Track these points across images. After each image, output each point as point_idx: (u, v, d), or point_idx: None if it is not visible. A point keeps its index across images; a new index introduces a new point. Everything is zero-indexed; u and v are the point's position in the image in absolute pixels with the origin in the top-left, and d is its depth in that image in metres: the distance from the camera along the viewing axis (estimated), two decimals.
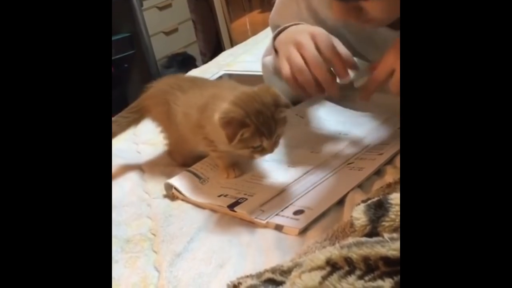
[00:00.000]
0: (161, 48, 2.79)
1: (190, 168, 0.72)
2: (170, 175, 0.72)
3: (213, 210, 0.64)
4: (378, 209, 0.42)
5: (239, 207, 0.61)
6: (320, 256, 0.38)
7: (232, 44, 3.19)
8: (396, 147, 0.69)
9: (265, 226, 0.58)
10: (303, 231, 0.56)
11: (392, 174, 0.62)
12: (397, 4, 0.56)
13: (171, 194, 0.69)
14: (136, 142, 0.90)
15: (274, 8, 0.88)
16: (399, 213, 0.41)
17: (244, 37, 1.62)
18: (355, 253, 0.36)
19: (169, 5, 2.87)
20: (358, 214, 0.43)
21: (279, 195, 0.63)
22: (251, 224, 0.59)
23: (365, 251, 0.36)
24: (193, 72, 1.28)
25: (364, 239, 0.38)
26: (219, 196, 0.65)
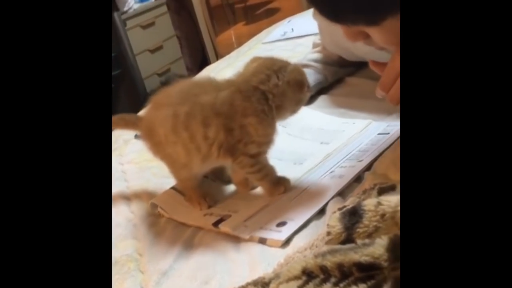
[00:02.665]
0: (147, 66, 2.81)
1: (174, 186, 0.73)
2: (155, 194, 0.73)
3: (198, 228, 0.64)
4: (352, 216, 0.43)
5: (223, 224, 0.62)
6: (296, 266, 0.39)
7: (218, 58, 3.22)
8: (375, 153, 0.70)
9: (249, 240, 0.59)
10: (286, 242, 0.57)
11: (372, 180, 0.63)
12: (396, 34, 0.58)
13: (157, 213, 0.70)
14: (121, 162, 0.91)
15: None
16: (372, 219, 0.42)
17: (230, 50, 1.64)
18: (330, 261, 0.37)
19: (152, 24, 2.89)
20: (333, 222, 0.44)
21: (262, 209, 0.64)
22: (236, 239, 0.60)
23: (338, 258, 0.37)
24: None
25: (338, 246, 0.39)
26: (205, 215, 0.66)
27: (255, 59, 0.67)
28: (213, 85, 0.64)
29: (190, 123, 0.61)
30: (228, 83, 0.64)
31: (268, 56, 0.67)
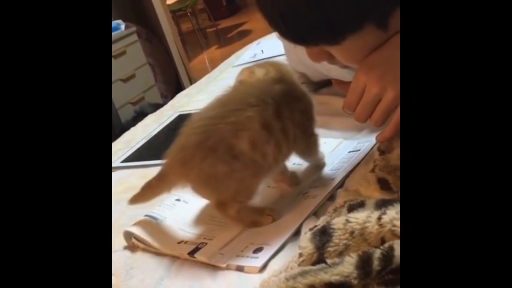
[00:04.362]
0: (120, 95, 2.80)
1: (148, 213, 0.73)
2: (128, 226, 0.73)
3: (174, 257, 0.64)
4: (322, 235, 0.44)
5: (199, 253, 0.61)
6: None
7: (192, 83, 3.23)
8: (346, 170, 0.71)
9: (226, 268, 0.58)
10: (263, 267, 0.56)
11: (344, 197, 0.64)
12: (357, 52, 0.61)
13: (132, 243, 0.69)
14: None
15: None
16: (341, 237, 0.43)
17: (204, 74, 1.65)
18: (301, 283, 0.38)
19: (124, 53, 2.89)
20: (304, 243, 0.45)
21: (238, 236, 0.64)
22: (213, 267, 0.60)
23: (309, 279, 0.37)
24: (150, 118, 1.29)
25: (308, 267, 0.39)
26: (179, 243, 0.65)
27: (271, 64, 0.72)
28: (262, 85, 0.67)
29: (282, 110, 0.63)
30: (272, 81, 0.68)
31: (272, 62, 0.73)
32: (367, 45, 0.60)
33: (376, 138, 0.65)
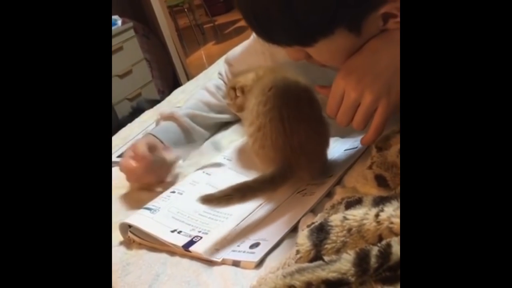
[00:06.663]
0: (116, 91, 2.79)
1: (144, 206, 0.72)
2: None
3: (170, 252, 0.64)
4: (320, 232, 0.44)
5: (194, 247, 0.61)
6: None
7: (189, 79, 3.21)
8: (344, 167, 0.71)
9: (223, 263, 0.58)
10: (260, 263, 0.56)
11: (341, 194, 0.64)
12: (331, 54, 0.61)
13: (127, 237, 0.69)
14: None
15: (235, 52, 1.00)
16: (339, 234, 0.43)
17: (202, 70, 1.64)
18: (298, 280, 0.38)
19: (120, 48, 2.87)
20: (302, 240, 0.44)
21: (233, 231, 0.63)
22: (209, 263, 0.59)
23: (307, 276, 0.37)
24: (146, 114, 1.29)
25: (305, 265, 0.39)
26: (172, 231, 0.65)
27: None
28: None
29: None
30: None
31: None
32: (341, 49, 0.61)
33: (361, 141, 0.65)
